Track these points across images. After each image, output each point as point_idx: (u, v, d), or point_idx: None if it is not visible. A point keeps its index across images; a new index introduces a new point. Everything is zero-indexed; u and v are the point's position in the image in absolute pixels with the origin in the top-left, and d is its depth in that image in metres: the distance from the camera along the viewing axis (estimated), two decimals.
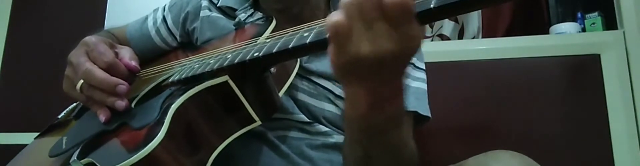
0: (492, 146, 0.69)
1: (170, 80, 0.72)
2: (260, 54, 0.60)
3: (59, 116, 0.92)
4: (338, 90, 0.80)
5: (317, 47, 0.56)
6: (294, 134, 0.79)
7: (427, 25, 1.52)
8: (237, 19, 0.83)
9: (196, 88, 0.63)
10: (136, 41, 0.93)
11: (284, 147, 0.77)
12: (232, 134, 0.65)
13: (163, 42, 0.92)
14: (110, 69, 0.68)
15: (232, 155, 0.72)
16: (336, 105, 0.80)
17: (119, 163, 0.54)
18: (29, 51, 1.68)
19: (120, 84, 0.66)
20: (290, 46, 0.57)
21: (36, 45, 1.68)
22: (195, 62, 0.73)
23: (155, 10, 0.95)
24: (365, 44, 0.45)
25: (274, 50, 0.59)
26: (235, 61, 0.63)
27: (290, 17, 0.80)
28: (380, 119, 0.56)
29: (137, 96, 0.75)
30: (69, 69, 0.73)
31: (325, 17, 0.48)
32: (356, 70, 0.48)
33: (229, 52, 0.68)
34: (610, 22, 1.28)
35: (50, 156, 0.71)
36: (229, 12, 0.86)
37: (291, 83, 0.75)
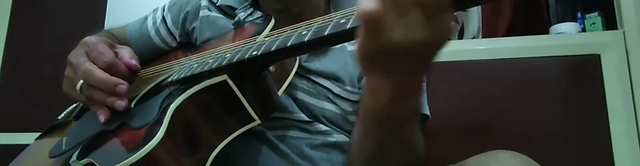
0: (492, 146, 0.69)
1: (169, 80, 0.72)
2: (259, 53, 0.60)
3: (59, 117, 0.92)
4: (337, 89, 0.80)
5: (315, 45, 0.56)
6: (293, 133, 0.79)
7: None
8: (236, 18, 0.83)
9: (195, 87, 0.63)
10: (136, 41, 0.93)
11: (283, 147, 0.77)
12: (232, 133, 0.65)
13: (163, 42, 0.92)
14: (110, 69, 0.68)
15: (232, 154, 0.72)
16: (336, 104, 0.80)
17: (118, 163, 0.54)
18: (29, 51, 1.68)
19: (120, 84, 0.66)
20: (288, 44, 0.57)
21: (36, 45, 1.68)
22: (195, 61, 0.73)
23: (155, 11, 0.95)
24: (398, 33, 0.44)
25: (273, 48, 0.59)
26: (234, 60, 0.63)
27: (290, 17, 0.80)
28: (399, 112, 0.55)
29: (137, 95, 0.75)
30: (68, 69, 0.73)
31: None
32: (383, 60, 0.47)
33: (228, 51, 0.68)
34: (610, 22, 1.28)
35: (50, 157, 0.70)
36: (228, 12, 0.86)
37: (290, 82, 0.75)
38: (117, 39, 0.93)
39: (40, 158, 0.74)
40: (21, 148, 0.87)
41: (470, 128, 1.21)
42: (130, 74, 0.71)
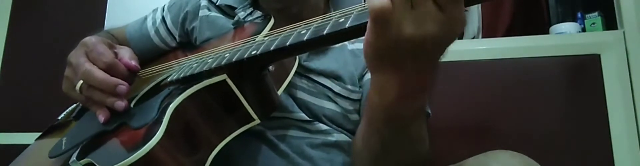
0: (492, 146, 0.69)
1: (168, 79, 0.72)
2: (258, 52, 0.60)
3: (59, 117, 0.92)
4: (337, 88, 0.80)
5: (314, 44, 0.56)
6: (293, 133, 0.78)
7: None
8: (236, 18, 0.83)
9: (194, 87, 0.62)
10: (136, 41, 0.93)
11: (283, 146, 0.77)
12: (231, 133, 0.65)
13: (162, 43, 0.92)
14: (109, 69, 0.68)
15: (231, 154, 0.72)
16: (336, 103, 0.80)
17: (117, 163, 0.54)
18: (29, 51, 1.68)
19: (120, 84, 0.66)
20: (287, 43, 0.57)
21: (36, 45, 1.68)
22: (194, 61, 0.73)
23: (155, 11, 0.95)
24: (409, 26, 0.44)
25: (272, 48, 0.59)
26: (233, 60, 0.63)
27: (289, 17, 0.80)
28: (406, 110, 0.55)
29: (137, 95, 0.75)
30: (68, 69, 0.73)
31: None
32: (393, 55, 0.47)
33: (227, 51, 0.68)
34: (610, 22, 1.28)
35: (50, 157, 0.70)
36: (227, 11, 0.86)
37: (290, 81, 0.75)
38: (116, 39, 0.93)
39: (40, 158, 0.74)
40: (21, 148, 0.87)
41: (470, 128, 1.21)
42: (130, 75, 0.71)
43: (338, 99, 0.80)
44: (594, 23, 1.30)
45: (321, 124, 0.80)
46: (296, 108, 0.79)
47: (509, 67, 1.23)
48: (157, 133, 0.56)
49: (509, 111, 1.19)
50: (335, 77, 0.81)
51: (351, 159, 0.77)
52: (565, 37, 1.26)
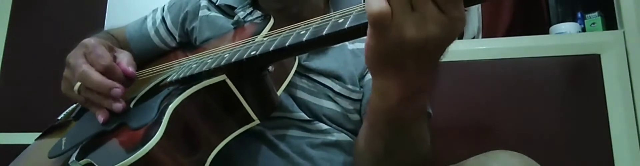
0: (492, 146, 0.69)
1: (168, 80, 0.72)
2: (257, 53, 0.60)
3: (59, 117, 0.92)
4: (337, 87, 0.80)
5: (313, 45, 0.56)
6: (293, 132, 0.78)
7: None
8: (235, 18, 0.83)
9: (194, 87, 0.62)
10: (135, 41, 0.93)
11: (283, 146, 0.77)
12: (231, 133, 0.65)
13: (162, 43, 0.92)
14: (106, 72, 0.68)
15: (231, 154, 0.72)
16: (336, 102, 0.80)
17: (116, 164, 0.54)
18: (29, 51, 1.68)
19: (115, 87, 0.66)
20: (287, 44, 0.57)
21: (36, 45, 1.68)
22: (194, 61, 0.73)
23: (155, 11, 0.95)
24: (410, 29, 0.43)
25: (271, 48, 0.59)
26: (233, 60, 0.63)
27: (289, 17, 0.80)
28: (408, 111, 0.55)
29: (137, 96, 0.75)
30: (66, 70, 0.73)
31: None
32: (395, 59, 0.47)
33: (227, 51, 0.68)
34: (610, 22, 1.28)
35: (50, 157, 0.70)
36: (227, 11, 0.86)
37: (290, 81, 0.75)
38: (116, 39, 0.93)
39: (40, 158, 0.74)
40: (21, 148, 0.87)
41: (470, 128, 1.21)
42: (127, 79, 0.71)
43: (338, 99, 0.80)
44: (594, 23, 1.30)
45: (321, 124, 0.80)
46: (296, 108, 0.79)
47: (509, 67, 1.23)
48: (157, 134, 0.56)
49: (509, 111, 1.19)
50: (335, 77, 0.81)
51: (353, 159, 0.77)
52: (565, 37, 1.26)
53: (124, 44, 0.92)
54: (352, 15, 0.52)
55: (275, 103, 0.71)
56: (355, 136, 0.81)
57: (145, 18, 0.95)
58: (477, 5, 1.47)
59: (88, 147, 0.64)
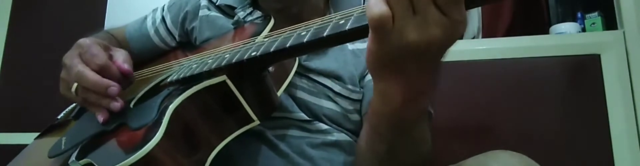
0: (492, 146, 0.69)
1: (168, 80, 0.72)
2: (258, 54, 0.60)
3: (59, 117, 0.92)
4: (337, 87, 0.80)
5: (314, 46, 0.56)
6: (293, 132, 0.78)
7: None
8: (235, 18, 0.83)
9: (194, 87, 0.62)
10: (135, 41, 0.93)
11: (283, 146, 0.77)
12: (231, 134, 0.65)
13: (162, 42, 0.92)
14: (102, 71, 0.68)
15: (231, 155, 0.72)
16: (336, 102, 0.80)
17: (116, 164, 0.54)
18: (29, 51, 1.68)
19: (111, 86, 0.66)
20: (287, 45, 0.57)
21: (36, 45, 1.68)
22: (194, 61, 0.73)
23: (155, 11, 0.95)
24: (413, 33, 0.43)
25: (272, 49, 0.58)
26: (233, 61, 0.63)
27: (289, 17, 0.80)
28: (410, 114, 0.55)
29: (136, 96, 0.75)
30: (63, 71, 0.73)
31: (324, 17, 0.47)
32: (397, 62, 0.46)
33: (227, 51, 0.68)
34: (610, 22, 1.28)
35: (49, 157, 0.70)
36: (227, 11, 0.86)
37: (290, 81, 0.75)
38: (116, 39, 0.93)
39: (40, 158, 0.74)
40: (21, 148, 0.87)
41: (470, 128, 1.21)
42: (123, 77, 0.71)
43: (338, 99, 0.80)
44: (594, 23, 1.30)
45: (321, 124, 0.80)
46: (296, 108, 0.79)
47: (509, 67, 1.23)
48: (157, 134, 0.56)
49: (509, 111, 1.19)
50: (336, 77, 0.80)
51: (354, 160, 0.77)
52: (565, 37, 1.26)
53: (123, 44, 0.92)
54: (353, 17, 0.52)
55: (276, 104, 0.71)
56: (355, 136, 0.81)
57: (145, 18, 0.95)
58: None
59: (88, 147, 0.64)
